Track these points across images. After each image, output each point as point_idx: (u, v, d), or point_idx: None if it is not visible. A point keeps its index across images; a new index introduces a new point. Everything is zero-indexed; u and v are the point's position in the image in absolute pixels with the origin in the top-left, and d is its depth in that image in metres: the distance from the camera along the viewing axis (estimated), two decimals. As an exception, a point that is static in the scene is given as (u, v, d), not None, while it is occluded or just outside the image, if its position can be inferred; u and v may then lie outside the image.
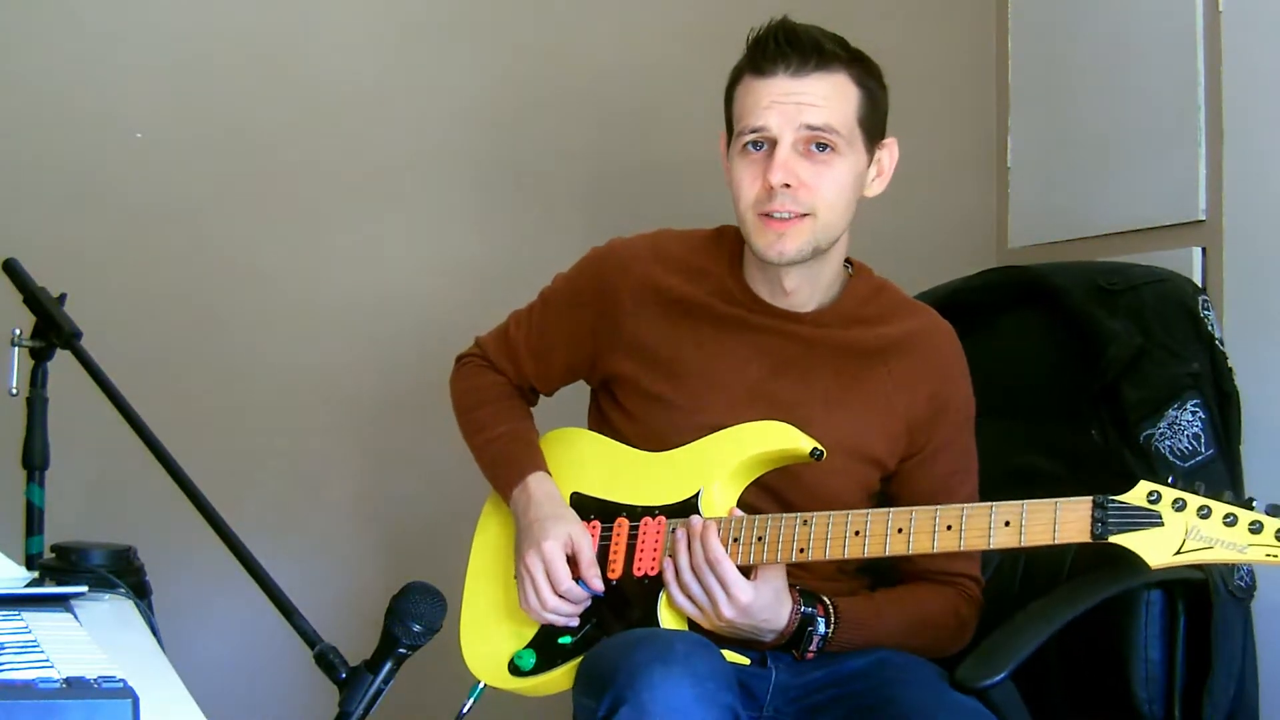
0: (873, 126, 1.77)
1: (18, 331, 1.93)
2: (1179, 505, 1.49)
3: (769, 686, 1.75)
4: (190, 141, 2.51)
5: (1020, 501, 1.58)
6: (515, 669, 1.79)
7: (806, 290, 1.82)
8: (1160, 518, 1.50)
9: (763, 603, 1.68)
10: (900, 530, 1.64)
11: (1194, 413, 1.93)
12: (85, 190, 2.47)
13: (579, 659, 1.74)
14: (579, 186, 2.71)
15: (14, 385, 1.94)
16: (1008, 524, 1.57)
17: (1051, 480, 2.06)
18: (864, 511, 1.67)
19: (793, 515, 1.70)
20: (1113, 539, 1.51)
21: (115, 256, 2.47)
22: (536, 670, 1.78)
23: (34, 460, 1.93)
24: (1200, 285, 2.27)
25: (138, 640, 1.31)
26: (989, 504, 1.60)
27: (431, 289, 2.65)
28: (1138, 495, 1.51)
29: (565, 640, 1.77)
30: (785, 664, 1.77)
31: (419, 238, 2.66)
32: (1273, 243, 2.18)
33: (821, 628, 1.73)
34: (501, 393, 1.98)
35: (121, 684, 0.89)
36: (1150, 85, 2.45)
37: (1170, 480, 1.52)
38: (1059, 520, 1.54)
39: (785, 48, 1.71)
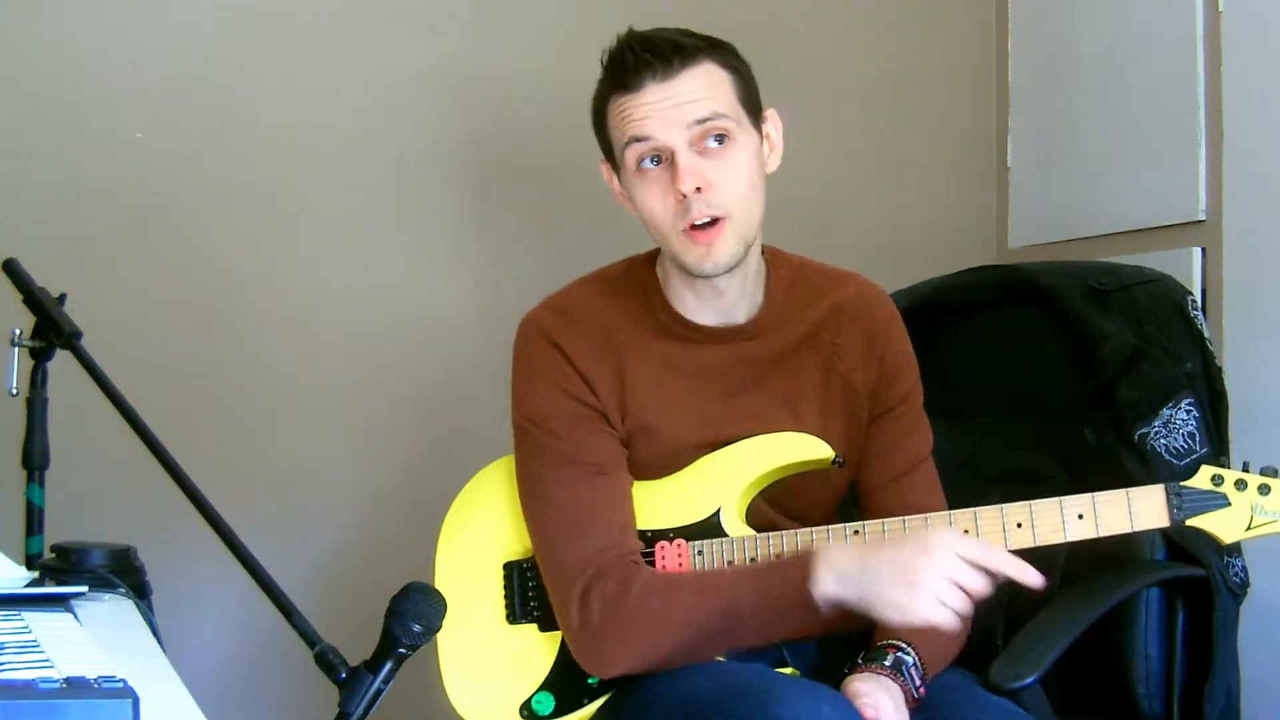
0: (751, 103, 1.72)
1: (18, 331, 1.93)
2: (1241, 485, 1.63)
3: None
4: (190, 141, 2.51)
5: (1089, 495, 1.65)
6: (531, 714, 1.71)
7: (737, 289, 1.77)
8: (1227, 499, 1.63)
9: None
10: (966, 531, 1.65)
11: (1188, 412, 1.94)
12: (85, 190, 2.46)
13: (605, 697, 1.69)
14: (578, 187, 2.71)
15: (14, 385, 1.94)
16: (1081, 516, 1.65)
17: (1048, 480, 2.06)
18: (920, 516, 1.67)
19: (840, 526, 1.67)
20: (1190, 522, 1.63)
21: (115, 256, 2.47)
22: (557, 714, 1.70)
23: (34, 460, 1.93)
24: (1200, 285, 2.28)
25: (138, 640, 1.30)
26: (1057, 499, 1.65)
27: (431, 289, 2.65)
28: (1203, 480, 1.65)
29: (594, 680, 1.69)
30: (810, 668, 1.74)
31: (418, 237, 2.66)
32: (1273, 243, 2.18)
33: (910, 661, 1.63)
34: (675, 582, 1.67)
35: (121, 684, 0.89)
36: (1150, 85, 2.45)
37: (1226, 463, 1.70)
38: (1134, 509, 1.64)
39: (645, 56, 1.65)
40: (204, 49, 2.52)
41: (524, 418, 1.78)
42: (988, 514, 1.65)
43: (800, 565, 1.58)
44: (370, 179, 2.62)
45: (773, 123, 1.77)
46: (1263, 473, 1.63)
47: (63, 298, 1.94)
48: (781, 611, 1.59)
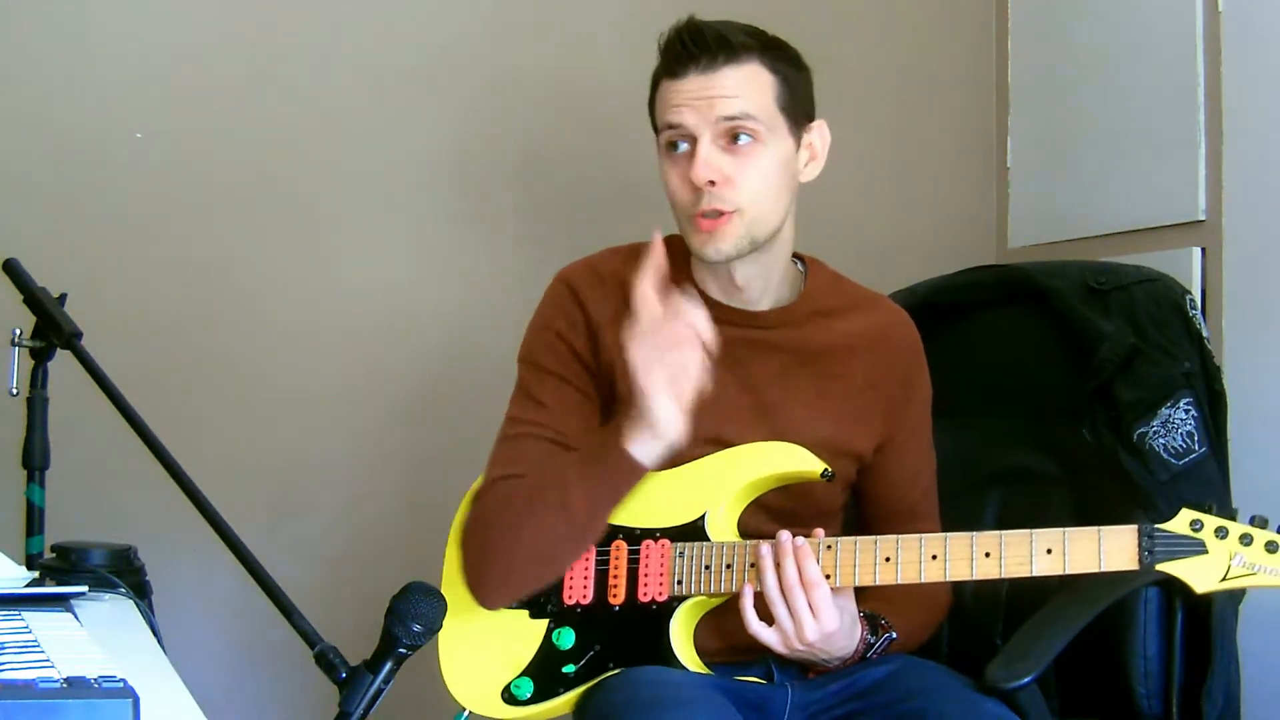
0: (795, 110, 1.75)
1: (18, 331, 1.93)
2: (1221, 533, 1.55)
3: (786, 705, 1.73)
4: (190, 142, 2.51)
5: (1060, 530, 1.60)
6: (511, 698, 1.73)
7: (759, 285, 1.80)
8: (1204, 546, 1.56)
9: (844, 629, 1.67)
10: (935, 557, 1.64)
11: (1187, 411, 1.94)
12: (85, 190, 2.46)
13: (581, 688, 1.72)
14: (578, 186, 2.71)
15: (14, 385, 1.94)
16: (1049, 551, 1.60)
17: (1046, 479, 2.06)
18: (893, 538, 1.67)
19: (815, 540, 1.68)
20: (1160, 567, 1.56)
21: (115, 256, 2.47)
22: (534, 700, 1.72)
23: (34, 460, 1.93)
24: (1200, 285, 2.28)
25: (138, 640, 1.31)
26: (1028, 531, 1.62)
27: (431, 290, 2.65)
28: (1181, 524, 1.57)
29: (569, 669, 1.73)
30: (796, 678, 1.77)
31: (418, 238, 2.66)
32: (1273, 243, 2.18)
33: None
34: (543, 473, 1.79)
35: (121, 684, 0.89)
36: (1150, 85, 2.45)
37: (1210, 508, 1.57)
38: (1104, 549, 1.58)
39: (692, 47, 1.70)
40: (204, 49, 2.52)
41: (524, 353, 1.86)
42: (958, 540, 1.64)
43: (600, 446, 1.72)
44: (370, 179, 2.62)
45: (818, 133, 1.80)
46: (1251, 522, 1.56)
47: (63, 298, 1.94)
48: (598, 456, 1.72)
